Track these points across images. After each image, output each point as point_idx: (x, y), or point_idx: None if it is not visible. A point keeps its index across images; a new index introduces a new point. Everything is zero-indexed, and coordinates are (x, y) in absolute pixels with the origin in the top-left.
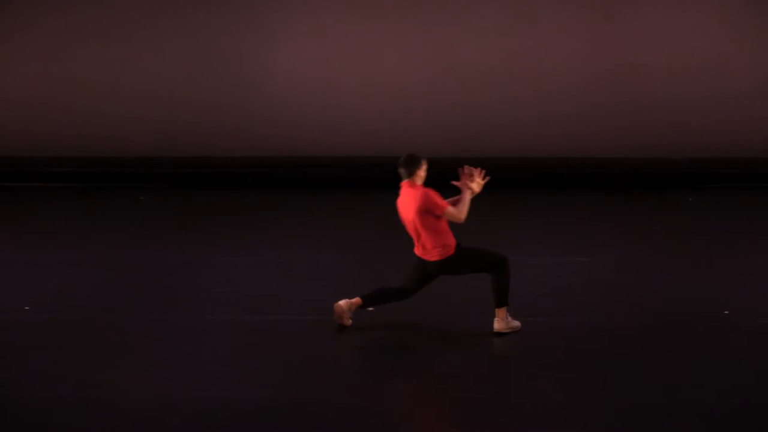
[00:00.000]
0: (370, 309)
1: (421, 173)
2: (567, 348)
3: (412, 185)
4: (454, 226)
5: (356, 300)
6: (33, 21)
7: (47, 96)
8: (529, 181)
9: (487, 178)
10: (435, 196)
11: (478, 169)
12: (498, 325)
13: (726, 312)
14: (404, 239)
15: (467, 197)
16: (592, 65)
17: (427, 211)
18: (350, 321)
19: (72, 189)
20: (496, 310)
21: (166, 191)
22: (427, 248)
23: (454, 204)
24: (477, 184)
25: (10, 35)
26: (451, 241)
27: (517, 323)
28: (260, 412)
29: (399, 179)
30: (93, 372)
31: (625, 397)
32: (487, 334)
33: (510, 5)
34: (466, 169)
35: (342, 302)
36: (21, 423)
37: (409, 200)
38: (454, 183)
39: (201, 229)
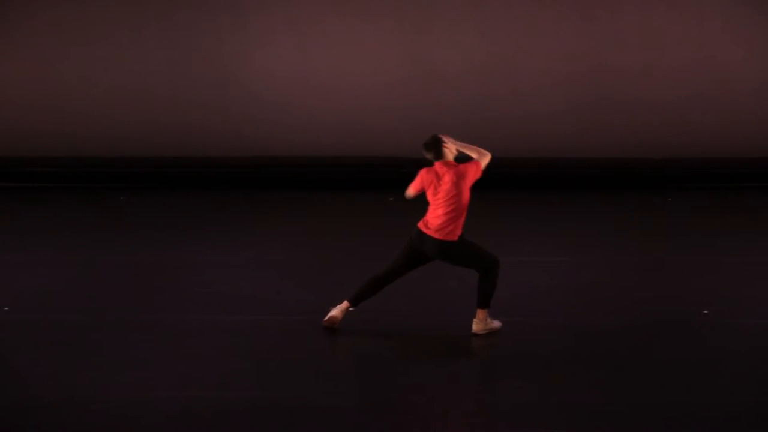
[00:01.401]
0: (351, 309)
1: (447, 147)
2: (552, 348)
3: (448, 164)
4: None
5: (345, 304)
6: (17, 21)
7: (29, 95)
8: (509, 182)
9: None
10: (472, 167)
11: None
12: (476, 326)
13: (705, 312)
14: (387, 239)
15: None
16: (571, 65)
17: (471, 180)
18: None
19: (53, 189)
20: (478, 310)
21: (148, 191)
22: (438, 226)
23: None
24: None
25: None
26: (459, 230)
27: (497, 324)
28: (243, 412)
29: (384, 178)
30: (73, 372)
31: (614, 397)
32: (467, 335)
33: (489, 6)
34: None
35: (334, 311)
36: None
37: (450, 175)
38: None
39: (183, 229)
